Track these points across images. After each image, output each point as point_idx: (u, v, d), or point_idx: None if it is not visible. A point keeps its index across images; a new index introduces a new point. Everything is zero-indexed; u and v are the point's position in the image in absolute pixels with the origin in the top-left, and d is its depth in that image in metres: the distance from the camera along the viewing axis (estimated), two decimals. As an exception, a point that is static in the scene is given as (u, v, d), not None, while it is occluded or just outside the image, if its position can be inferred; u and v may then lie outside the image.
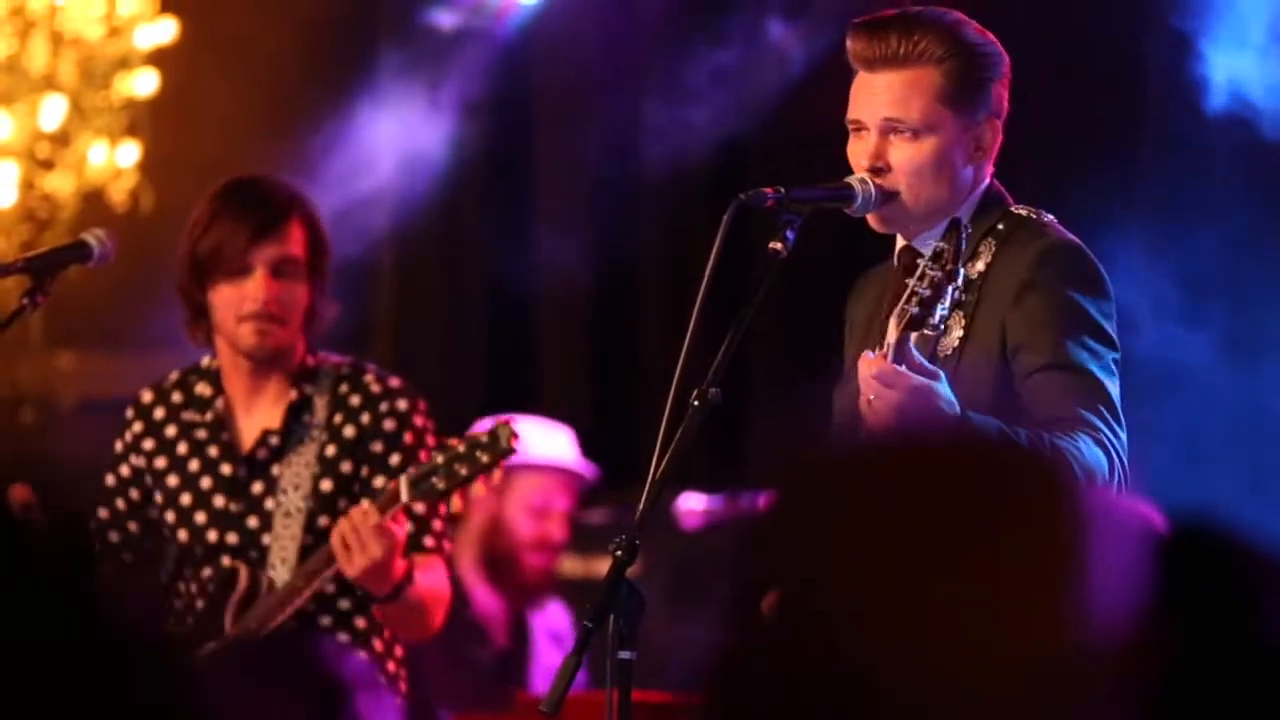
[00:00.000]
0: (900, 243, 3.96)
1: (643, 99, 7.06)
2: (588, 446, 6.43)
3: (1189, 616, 1.46)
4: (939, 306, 3.52)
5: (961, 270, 3.53)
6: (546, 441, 6.29)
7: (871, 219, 3.92)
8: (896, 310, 3.56)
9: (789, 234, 3.79)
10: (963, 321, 3.80)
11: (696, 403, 3.72)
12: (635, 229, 7.21)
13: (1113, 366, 3.79)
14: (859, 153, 3.91)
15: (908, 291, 3.53)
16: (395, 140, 7.16)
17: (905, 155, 3.88)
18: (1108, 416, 3.71)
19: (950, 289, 3.53)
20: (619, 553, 3.66)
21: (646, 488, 3.71)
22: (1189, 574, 1.49)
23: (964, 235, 3.56)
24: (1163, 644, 1.43)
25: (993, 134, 3.92)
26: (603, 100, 7.20)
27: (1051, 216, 3.94)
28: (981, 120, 3.91)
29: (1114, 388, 3.76)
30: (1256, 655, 1.48)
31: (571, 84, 7.26)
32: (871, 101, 3.90)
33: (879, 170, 3.88)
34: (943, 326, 3.58)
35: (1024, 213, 3.92)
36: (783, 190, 3.83)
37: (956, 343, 3.80)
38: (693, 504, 6.40)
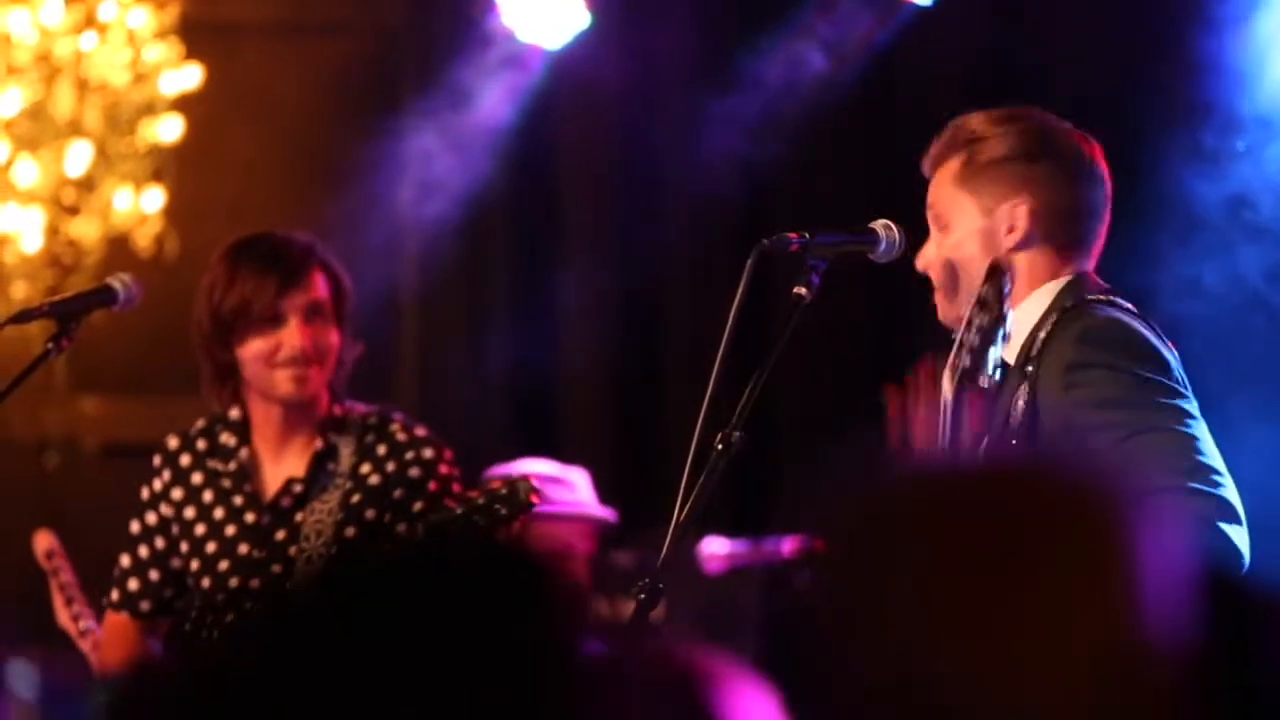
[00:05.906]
0: None
1: (668, 141, 7.07)
2: (612, 489, 6.42)
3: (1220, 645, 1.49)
4: (991, 353, 3.39)
5: (1009, 312, 3.39)
6: (561, 488, 6.27)
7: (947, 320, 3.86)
8: (949, 365, 3.47)
9: (813, 279, 3.79)
10: (1026, 392, 3.71)
11: (720, 447, 3.71)
12: (661, 270, 7.21)
13: (1187, 410, 3.62)
14: None
15: (957, 344, 3.43)
16: (419, 185, 7.18)
17: (934, 250, 3.90)
18: (1197, 475, 3.54)
19: (1000, 333, 3.39)
20: (642, 596, 3.65)
21: (670, 531, 3.71)
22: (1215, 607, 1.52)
23: (1005, 277, 3.40)
24: (1214, 662, 1.47)
25: (1029, 219, 3.80)
26: (628, 143, 7.21)
27: (1123, 301, 3.79)
28: (1003, 202, 3.83)
29: (1193, 432, 3.59)
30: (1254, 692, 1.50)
31: (595, 128, 7.27)
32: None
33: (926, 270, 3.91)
34: (998, 376, 3.41)
35: (1093, 297, 3.79)
36: (807, 235, 3.83)
37: (1023, 408, 3.71)
38: (716, 548, 6.38)
